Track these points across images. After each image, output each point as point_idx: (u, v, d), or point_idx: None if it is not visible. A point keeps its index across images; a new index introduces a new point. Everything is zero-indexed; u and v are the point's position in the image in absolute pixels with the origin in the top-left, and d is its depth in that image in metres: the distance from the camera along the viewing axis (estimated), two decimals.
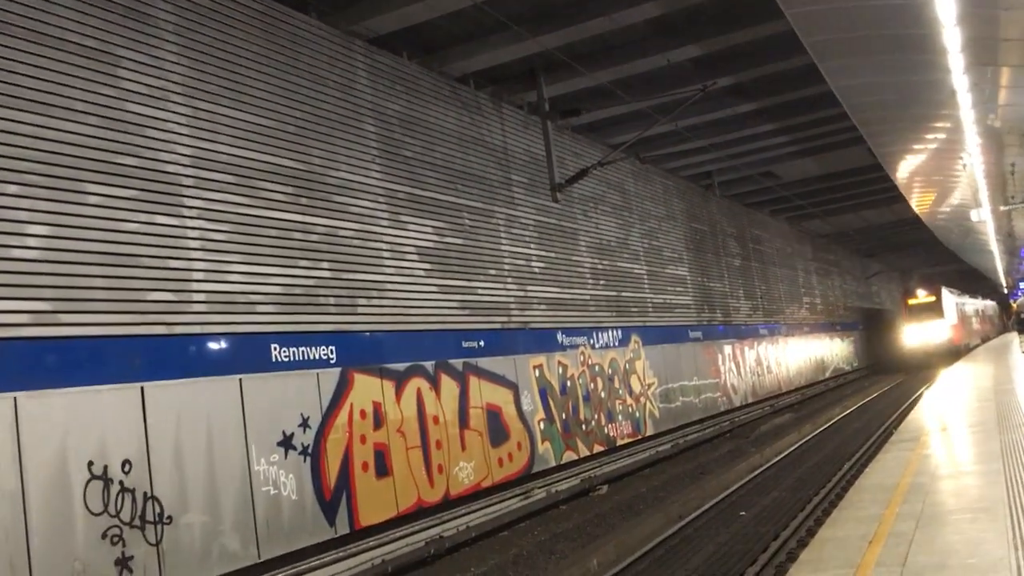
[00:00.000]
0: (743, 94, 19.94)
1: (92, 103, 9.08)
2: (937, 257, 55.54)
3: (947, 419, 15.25)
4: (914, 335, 45.05)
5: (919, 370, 42.60)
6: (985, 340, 64.14)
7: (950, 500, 8.51)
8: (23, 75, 8.47)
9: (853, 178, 30.49)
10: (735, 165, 26.26)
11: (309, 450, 10.84)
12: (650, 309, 21.95)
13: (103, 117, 9.18)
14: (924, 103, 16.17)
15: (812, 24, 12.29)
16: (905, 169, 24.28)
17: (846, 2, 11.42)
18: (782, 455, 18.83)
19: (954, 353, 43.54)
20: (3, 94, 8.26)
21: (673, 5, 14.60)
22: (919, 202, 30.58)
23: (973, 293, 67.69)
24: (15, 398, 7.78)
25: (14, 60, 8.41)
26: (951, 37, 11.57)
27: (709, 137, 22.59)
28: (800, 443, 20.60)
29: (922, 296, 45.26)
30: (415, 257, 13.59)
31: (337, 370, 11.54)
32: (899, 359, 47.14)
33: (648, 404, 20.69)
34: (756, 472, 16.68)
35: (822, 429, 23.21)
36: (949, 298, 45.90)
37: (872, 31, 12.46)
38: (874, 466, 11.38)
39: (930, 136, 18.88)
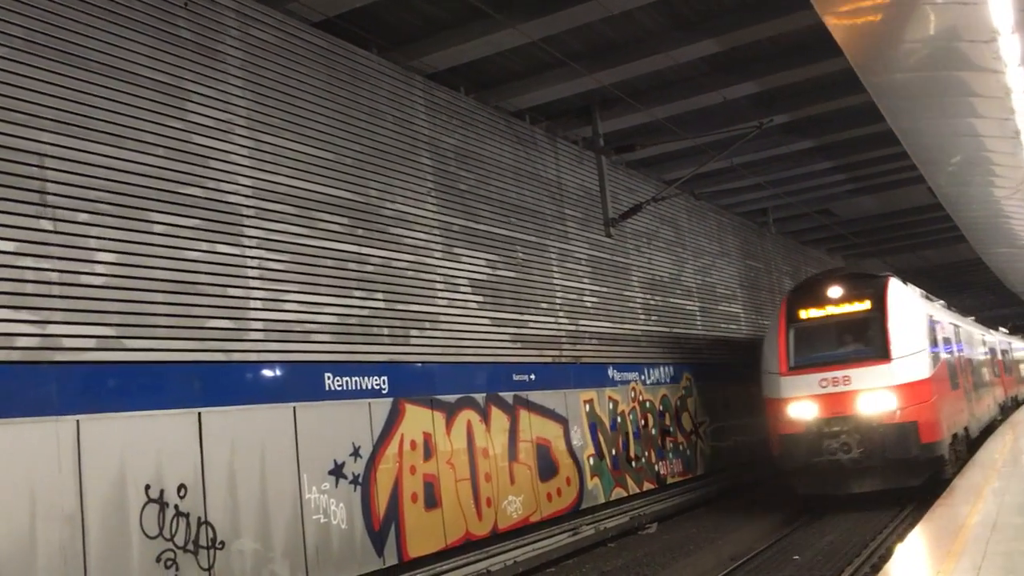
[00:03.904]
0: (800, 131, 19.82)
1: (161, 135, 9.37)
2: (1001, 299, 54.18)
3: None
4: (803, 408, 15.76)
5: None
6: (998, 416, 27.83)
7: None
8: (98, 108, 8.78)
9: (913, 217, 30.03)
10: (791, 202, 26.03)
11: (360, 479, 10.91)
12: (703, 346, 21.75)
13: (170, 149, 9.46)
14: (986, 144, 15.90)
15: (872, 64, 12.20)
16: (967, 209, 23.84)
17: (907, 43, 11.33)
18: None
19: (917, 471, 15.18)
20: (79, 126, 8.58)
21: (730, 43, 14.62)
22: (978, 242, 29.93)
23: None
24: (78, 420, 7.99)
25: (90, 94, 8.73)
26: (1015, 77, 11.40)
27: (765, 174, 22.45)
28: None
29: (835, 298, 16.62)
30: (468, 289, 13.68)
31: (389, 400, 11.63)
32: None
33: (699, 442, 20.44)
34: (811, 514, 16.33)
35: None
36: (912, 308, 16.52)
37: (933, 72, 12.32)
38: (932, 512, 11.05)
39: (992, 178, 18.53)
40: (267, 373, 10.08)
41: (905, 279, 18.19)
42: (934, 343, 16.56)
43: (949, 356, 18.30)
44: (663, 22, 14.15)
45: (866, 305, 16.09)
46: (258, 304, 10.14)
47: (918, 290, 18.70)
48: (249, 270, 10.12)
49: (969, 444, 18.67)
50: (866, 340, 15.88)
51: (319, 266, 11.06)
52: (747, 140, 17.86)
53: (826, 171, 23.32)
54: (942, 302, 22.47)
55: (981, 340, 26.70)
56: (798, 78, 16.61)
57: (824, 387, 15.50)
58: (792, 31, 14.40)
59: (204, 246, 9.62)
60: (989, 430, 23.37)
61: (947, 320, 19.78)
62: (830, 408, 15.34)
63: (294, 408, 10.23)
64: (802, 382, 15.73)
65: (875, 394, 15.14)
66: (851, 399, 15.24)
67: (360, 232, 11.81)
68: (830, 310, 16.45)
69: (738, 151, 18.77)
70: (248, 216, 10.24)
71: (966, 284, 47.95)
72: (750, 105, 17.71)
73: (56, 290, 8.14)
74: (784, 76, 16.41)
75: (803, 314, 16.57)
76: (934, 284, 47.35)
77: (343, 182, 11.70)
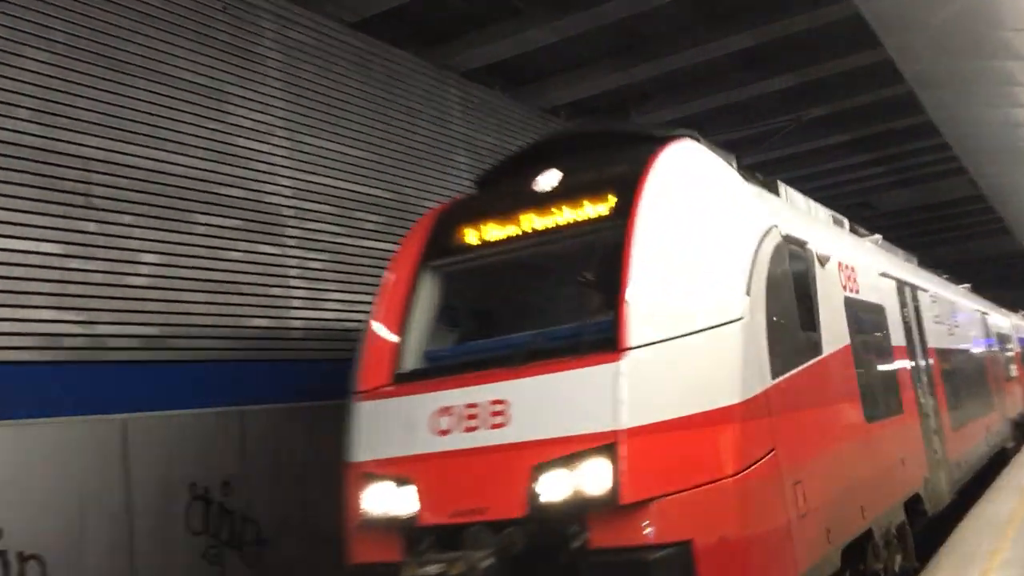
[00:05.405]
0: (837, 124, 19.57)
1: (201, 137, 9.49)
2: None
3: None
4: (387, 498, 5.70)
5: None
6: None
7: None
8: (140, 111, 8.91)
9: (954, 209, 29.55)
10: (829, 196, 25.68)
11: None
12: None
13: (211, 151, 9.57)
14: None
15: (911, 54, 12.03)
16: (1012, 201, 23.42)
17: (948, 32, 11.16)
18: None
19: None
20: (122, 129, 8.71)
21: (764, 36, 14.48)
22: None
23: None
24: (125, 420, 8.11)
25: (132, 98, 8.86)
26: None
27: (801, 168, 22.20)
28: None
29: (540, 194, 6.51)
30: None
31: None
32: None
33: None
34: None
35: None
36: (722, 210, 6.30)
37: (975, 61, 12.13)
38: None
39: None
40: (308, 372, 10.15)
41: (739, 157, 8.70)
42: (805, 310, 7.09)
43: (869, 342, 8.68)
44: (695, 17, 14.05)
45: (601, 207, 6.36)
46: (298, 303, 10.24)
47: (791, 191, 9.44)
48: (290, 270, 10.21)
49: (924, 526, 9.37)
50: (581, 299, 6.29)
51: (357, 265, 11.13)
52: (783, 134, 17.67)
53: (864, 164, 23.02)
54: (878, 236, 12.08)
55: (978, 318, 16.78)
56: (833, 70, 16.40)
57: (444, 433, 5.80)
58: (826, 23, 14.22)
59: (245, 246, 9.72)
60: (1002, 462, 14.19)
61: (876, 267, 9.88)
62: (451, 498, 5.64)
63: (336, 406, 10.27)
64: (397, 419, 6.08)
65: (571, 460, 5.29)
66: (503, 473, 5.49)
67: (398, 231, 11.85)
68: (528, 224, 6.60)
69: (774, 145, 18.57)
70: (288, 216, 10.34)
71: (1012, 278, 46.96)
72: (785, 98, 17.52)
73: (101, 291, 8.26)
74: (819, 69, 16.21)
75: (466, 237, 6.87)
76: (975, 278, 46.41)
77: (381, 181, 11.76)
